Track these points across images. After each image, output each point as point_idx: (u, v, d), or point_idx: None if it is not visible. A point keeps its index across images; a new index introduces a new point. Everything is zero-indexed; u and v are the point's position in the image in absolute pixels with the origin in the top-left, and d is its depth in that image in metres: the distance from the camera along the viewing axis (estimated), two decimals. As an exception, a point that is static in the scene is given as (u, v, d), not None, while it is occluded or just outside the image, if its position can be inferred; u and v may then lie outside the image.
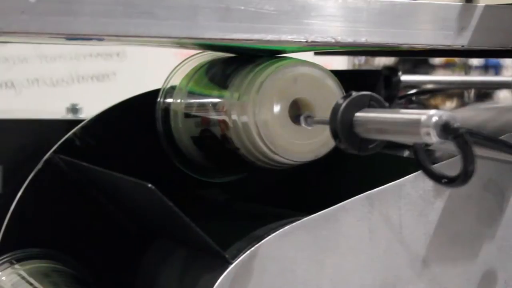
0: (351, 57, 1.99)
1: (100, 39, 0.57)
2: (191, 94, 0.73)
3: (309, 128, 0.65)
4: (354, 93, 0.56)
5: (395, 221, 0.62)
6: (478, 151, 0.52)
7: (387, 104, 0.57)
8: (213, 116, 0.69)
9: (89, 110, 0.88)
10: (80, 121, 0.80)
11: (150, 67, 2.01)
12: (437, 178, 0.53)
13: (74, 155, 0.77)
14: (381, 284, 0.62)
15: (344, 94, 0.58)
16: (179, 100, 0.74)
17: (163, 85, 0.76)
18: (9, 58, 2.19)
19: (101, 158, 0.77)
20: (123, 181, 0.67)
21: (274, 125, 0.65)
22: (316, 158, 0.67)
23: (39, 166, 0.78)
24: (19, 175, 0.80)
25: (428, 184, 0.62)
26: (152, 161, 0.79)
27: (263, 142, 0.65)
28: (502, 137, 0.63)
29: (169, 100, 0.75)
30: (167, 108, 0.75)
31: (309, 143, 0.66)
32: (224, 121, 0.68)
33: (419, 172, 0.54)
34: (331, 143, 0.66)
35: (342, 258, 0.61)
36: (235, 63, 0.70)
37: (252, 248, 0.58)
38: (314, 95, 0.66)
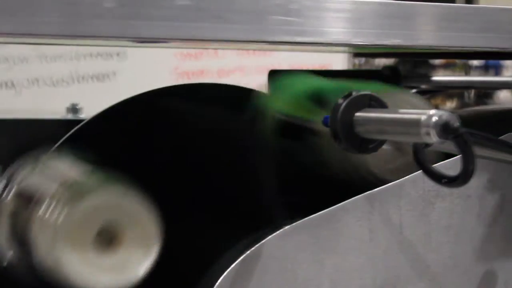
0: (351, 57, 1.98)
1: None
2: None
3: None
4: (354, 93, 0.56)
5: (395, 221, 0.62)
6: (478, 151, 0.52)
7: (387, 104, 0.57)
8: None
9: (89, 110, 0.88)
10: (80, 121, 0.80)
11: (150, 67, 2.01)
12: (437, 178, 0.53)
13: (74, 155, 0.77)
14: (381, 284, 0.62)
15: None
16: None
17: None
18: (9, 58, 2.18)
19: (100, 158, 0.77)
20: None
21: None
22: None
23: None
24: (19, 175, 0.80)
25: (428, 184, 0.62)
26: (152, 161, 0.79)
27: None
28: (502, 137, 0.63)
29: None
30: None
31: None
32: None
33: (419, 172, 0.54)
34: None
35: (342, 258, 0.61)
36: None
37: (253, 248, 0.58)
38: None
